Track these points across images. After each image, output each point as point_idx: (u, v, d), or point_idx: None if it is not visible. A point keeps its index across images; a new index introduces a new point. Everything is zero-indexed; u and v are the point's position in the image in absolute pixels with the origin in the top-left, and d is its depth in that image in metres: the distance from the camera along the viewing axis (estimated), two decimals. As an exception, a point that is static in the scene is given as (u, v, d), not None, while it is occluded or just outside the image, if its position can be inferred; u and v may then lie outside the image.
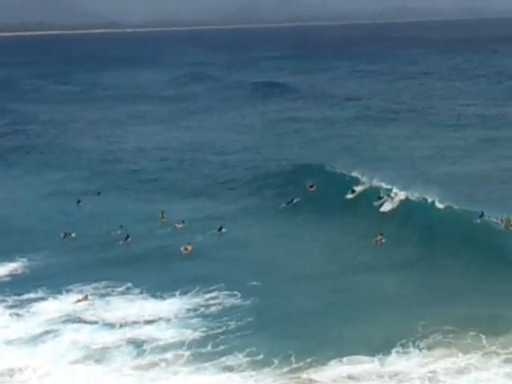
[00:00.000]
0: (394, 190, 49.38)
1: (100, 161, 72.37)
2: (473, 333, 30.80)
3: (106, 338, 32.15)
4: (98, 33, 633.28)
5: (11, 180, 65.75)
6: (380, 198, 49.25)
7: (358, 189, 51.74)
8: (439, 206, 45.70)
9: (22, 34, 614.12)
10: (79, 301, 36.26)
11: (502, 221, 40.92)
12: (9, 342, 32.23)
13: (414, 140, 75.70)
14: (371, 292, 36.46)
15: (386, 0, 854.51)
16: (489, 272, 37.32)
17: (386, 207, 48.21)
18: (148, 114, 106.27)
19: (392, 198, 48.55)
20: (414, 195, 48.22)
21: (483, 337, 30.43)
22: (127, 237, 47.00)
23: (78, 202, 56.40)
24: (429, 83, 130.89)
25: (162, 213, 51.07)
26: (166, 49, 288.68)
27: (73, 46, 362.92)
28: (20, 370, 29.77)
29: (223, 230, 47.74)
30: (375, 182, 51.92)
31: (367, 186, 52.08)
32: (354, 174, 54.79)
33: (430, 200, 46.51)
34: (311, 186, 54.67)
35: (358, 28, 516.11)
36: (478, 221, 42.11)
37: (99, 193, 59.20)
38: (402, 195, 48.57)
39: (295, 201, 52.70)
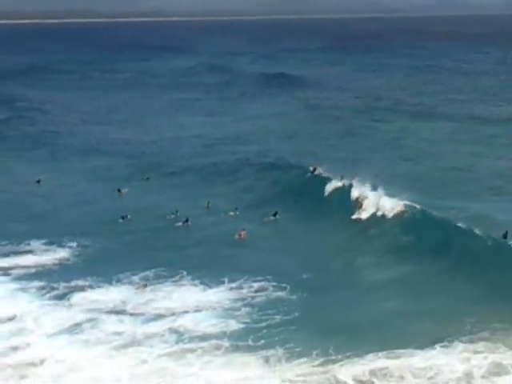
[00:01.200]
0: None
1: (143, 149, 72.46)
2: (525, 331, 30.01)
3: (148, 327, 31.80)
4: (144, 21, 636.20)
5: (57, 165, 65.83)
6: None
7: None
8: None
9: (70, 21, 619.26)
10: (138, 288, 36.10)
11: None
12: (46, 331, 31.54)
13: (456, 135, 75.44)
14: (418, 286, 36.03)
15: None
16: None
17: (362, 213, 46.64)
18: (192, 102, 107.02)
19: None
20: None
21: (535, 335, 29.63)
22: (187, 220, 47.17)
23: (118, 190, 55.58)
24: (471, 77, 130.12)
25: (208, 202, 51.36)
26: (209, 38, 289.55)
27: (118, 34, 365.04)
28: (54, 358, 29.26)
29: (277, 217, 47.59)
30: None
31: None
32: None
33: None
34: (314, 170, 55.49)
35: (397, 21, 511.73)
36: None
37: (148, 178, 59.24)
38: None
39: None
